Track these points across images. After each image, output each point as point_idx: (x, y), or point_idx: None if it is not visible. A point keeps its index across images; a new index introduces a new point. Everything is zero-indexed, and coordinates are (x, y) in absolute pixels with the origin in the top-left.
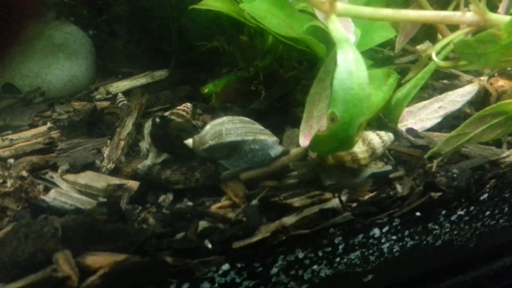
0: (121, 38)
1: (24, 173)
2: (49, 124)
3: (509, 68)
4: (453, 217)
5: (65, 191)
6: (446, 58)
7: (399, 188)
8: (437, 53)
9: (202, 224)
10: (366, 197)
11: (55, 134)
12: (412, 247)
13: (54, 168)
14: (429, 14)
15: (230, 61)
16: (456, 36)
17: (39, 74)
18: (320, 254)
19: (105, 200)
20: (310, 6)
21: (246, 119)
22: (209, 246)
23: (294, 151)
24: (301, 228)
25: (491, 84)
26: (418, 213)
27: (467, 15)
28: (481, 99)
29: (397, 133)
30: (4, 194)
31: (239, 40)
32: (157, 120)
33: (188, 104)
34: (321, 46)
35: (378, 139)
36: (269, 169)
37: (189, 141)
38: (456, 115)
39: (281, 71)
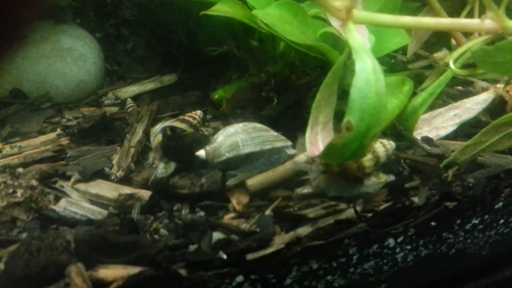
0: (129, 42)
1: (34, 182)
2: (58, 131)
3: None
4: (467, 226)
5: (76, 201)
6: (463, 66)
7: (415, 198)
8: (454, 61)
9: (216, 235)
10: (382, 207)
11: (64, 141)
12: (426, 256)
13: (64, 176)
14: (448, 22)
15: (241, 66)
16: (474, 44)
17: (47, 79)
18: (334, 264)
19: (117, 211)
20: (323, 12)
21: (259, 125)
22: (224, 257)
23: (301, 157)
24: (315, 239)
25: (507, 91)
26: (433, 223)
27: (486, 23)
28: (497, 107)
29: (412, 142)
30: (14, 204)
31: (250, 45)
32: (168, 132)
33: (198, 111)
34: (335, 53)
35: (382, 147)
36: (274, 174)
37: (202, 153)
38: (472, 123)
39: (293, 77)
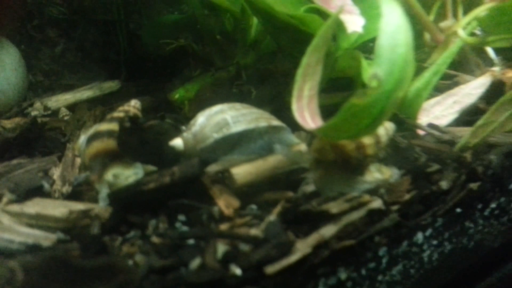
0: (58, 46)
1: None
2: None
3: None
4: (487, 212)
5: (9, 226)
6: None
7: (442, 182)
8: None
9: (220, 247)
10: (406, 196)
11: None
12: (449, 253)
13: None
14: None
15: (203, 61)
16: (481, 10)
17: None
18: (364, 272)
19: (67, 236)
20: None
21: (246, 104)
22: (238, 272)
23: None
24: (345, 239)
25: (503, 74)
26: (458, 209)
27: None
28: (493, 92)
29: (420, 130)
30: None
31: (214, 36)
32: (127, 124)
33: (132, 101)
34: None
35: (381, 126)
36: (265, 164)
37: (178, 142)
38: (470, 111)
39: (270, 67)
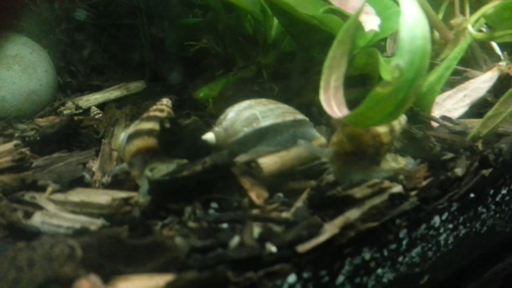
0: (85, 49)
1: None
2: (14, 141)
3: None
4: (498, 197)
5: (55, 213)
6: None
7: (457, 169)
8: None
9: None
10: (424, 183)
11: (24, 151)
12: (464, 236)
13: (33, 187)
14: None
15: (225, 61)
16: (488, 8)
17: None
18: (386, 253)
19: (108, 222)
20: None
21: (272, 100)
22: (273, 250)
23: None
24: (369, 221)
25: (509, 68)
26: (472, 195)
27: None
28: (501, 86)
29: (434, 122)
30: None
31: (236, 37)
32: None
33: (164, 99)
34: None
35: None
36: (289, 155)
37: (210, 136)
38: (479, 104)
39: (291, 66)
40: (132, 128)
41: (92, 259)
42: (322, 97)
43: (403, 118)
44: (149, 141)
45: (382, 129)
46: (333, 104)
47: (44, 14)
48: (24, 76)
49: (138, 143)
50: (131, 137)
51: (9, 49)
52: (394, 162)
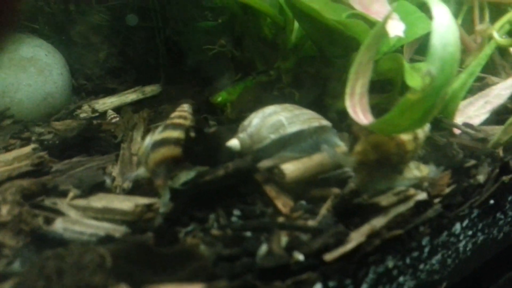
0: (101, 51)
1: (18, 199)
2: (32, 145)
3: None
4: None
5: (77, 219)
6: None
7: (479, 176)
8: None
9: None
10: (447, 190)
11: (43, 155)
12: (481, 243)
13: (54, 192)
14: None
15: (244, 65)
16: None
17: (7, 92)
18: (408, 261)
19: (129, 229)
20: None
21: (296, 106)
22: (301, 258)
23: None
24: (394, 229)
25: None
26: (492, 201)
27: None
28: None
29: (457, 128)
30: None
31: (256, 41)
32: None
33: (185, 106)
34: (370, 31)
35: None
36: (312, 161)
37: (234, 142)
38: (499, 110)
39: (310, 71)
40: (157, 135)
41: (122, 267)
42: (347, 103)
43: (427, 126)
44: (175, 150)
45: (406, 137)
46: (359, 110)
47: (59, 16)
48: (40, 78)
49: (164, 152)
50: (157, 145)
51: (24, 51)
52: (417, 170)
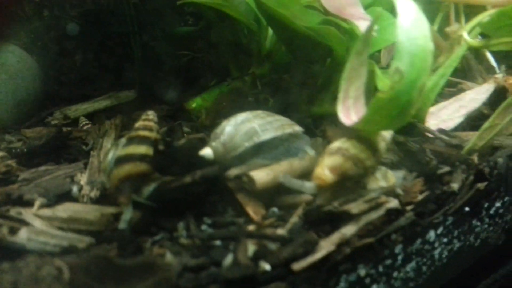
0: (74, 57)
1: None
2: (1, 153)
3: None
4: (492, 210)
5: (41, 230)
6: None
7: (453, 183)
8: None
9: (249, 247)
10: (420, 197)
11: (10, 163)
12: (457, 250)
13: (19, 202)
14: None
15: (219, 71)
16: (484, 16)
17: None
18: (381, 269)
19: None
20: (316, 1)
21: (269, 112)
22: (267, 268)
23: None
24: (365, 237)
25: (505, 81)
26: (466, 208)
27: None
28: (496, 98)
29: (431, 134)
30: None
31: (231, 47)
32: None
33: (149, 113)
34: (342, 38)
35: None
36: (281, 168)
37: (207, 151)
38: (475, 116)
39: (285, 77)
40: (121, 150)
41: (80, 280)
42: (339, 107)
43: (389, 134)
44: (141, 167)
45: (363, 155)
46: (353, 113)
47: (33, 22)
48: (11, 85)
49: (129, 169)
50: (120, 161)
51: None
52: (383, 180)
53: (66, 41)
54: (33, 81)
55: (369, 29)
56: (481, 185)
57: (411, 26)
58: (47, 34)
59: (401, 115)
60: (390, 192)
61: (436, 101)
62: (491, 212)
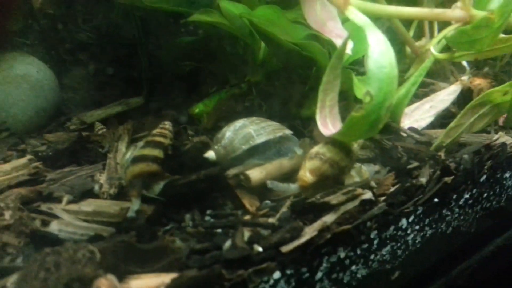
0: (88, 67)
1: (19, 205)
2: (28, 156)
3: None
4: (461, 201)
5: (70, 222)
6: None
7: (421, 177)
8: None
9: (245, 233)
10: (391, 189)
11: (38, 165)
12: (430, 236)
13: (49, 199)
14: (426, 11)
15: (218, 79)
16: (448, 31)
17: (2, 107)
18: (359, 252)
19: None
20: (301, 17)
21: (261, 118)
22: (260, 249)
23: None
24: (343, 224)
25: (470, 82)
26: (436, 199)
27: (456, 12)
28: (463, 98)
29: (403, 132)
30: (2, 228)
31: (228, 57)
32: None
33: (166, 123)
34: (324, 51)
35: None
36: (273, 167)
37: (211, 154)
38: (444, 115)
39: (276, 84)
40: (138, 151)
41: (108, 261)
42: (317, 116)
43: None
44: (152, 167)
45: (338, 157)
46: (329, 121)
47: (50, 35)
48: (32, 94)
49: (142, 167)
50: (136, 160)
51: (18, 69)
52: (358, 176)
53: (80, 53)
54: (51, 89)
55: (343, 47)
56: (448, 179)
57: (379, 56)
58: (63, 46)
59: (371, 129)
60: (365, 185)
61: (411, 102)
62: (461, 203)
